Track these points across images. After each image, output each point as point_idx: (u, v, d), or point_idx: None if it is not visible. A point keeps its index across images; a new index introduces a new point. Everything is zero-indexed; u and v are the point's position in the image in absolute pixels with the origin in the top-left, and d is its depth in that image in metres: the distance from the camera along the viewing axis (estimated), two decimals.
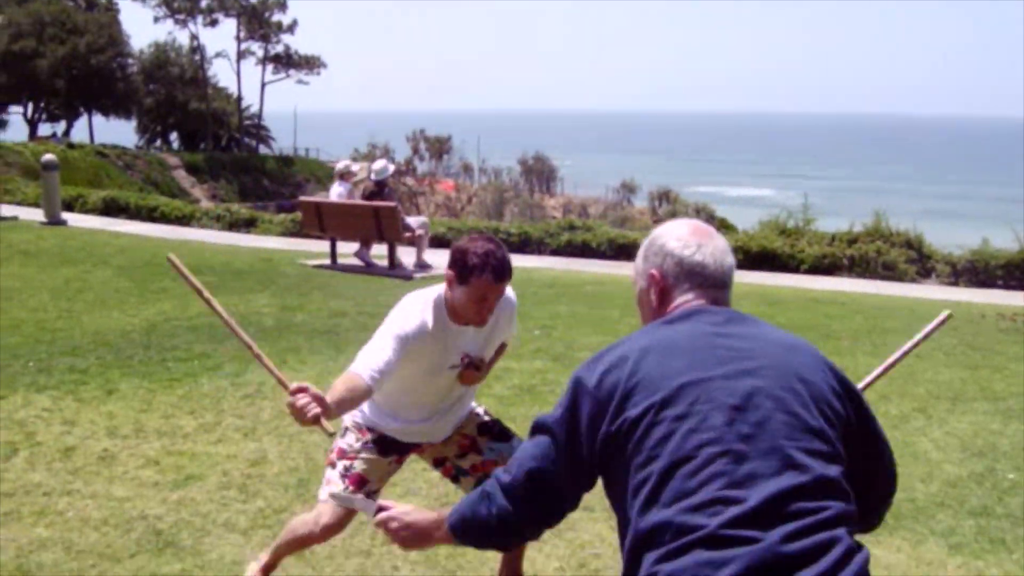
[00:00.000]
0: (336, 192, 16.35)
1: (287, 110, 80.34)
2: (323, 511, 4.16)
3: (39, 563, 4.77)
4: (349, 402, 3.67)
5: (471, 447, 4.29)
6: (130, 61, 79.00)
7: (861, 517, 2.44)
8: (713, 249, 2.58)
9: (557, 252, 17.62)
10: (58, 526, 5.23)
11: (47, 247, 16.42)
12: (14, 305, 11.18)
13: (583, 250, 17.54)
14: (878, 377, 3.32)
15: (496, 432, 4.31)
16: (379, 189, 15.26)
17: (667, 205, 49.94)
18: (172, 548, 4.99)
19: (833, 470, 2.24)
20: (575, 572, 4.75)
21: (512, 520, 2.52)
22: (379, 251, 15.38)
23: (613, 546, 5.03)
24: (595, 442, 2.34)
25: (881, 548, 5.14)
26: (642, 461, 2.24)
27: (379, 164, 16.14)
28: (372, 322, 10.36)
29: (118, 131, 79.34)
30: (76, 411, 7.23)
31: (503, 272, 3.88)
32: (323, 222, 15.51)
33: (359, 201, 15.41)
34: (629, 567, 2.23)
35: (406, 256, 15.27)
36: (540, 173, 58.55)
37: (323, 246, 16.31)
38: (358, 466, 4.20)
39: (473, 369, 4.11)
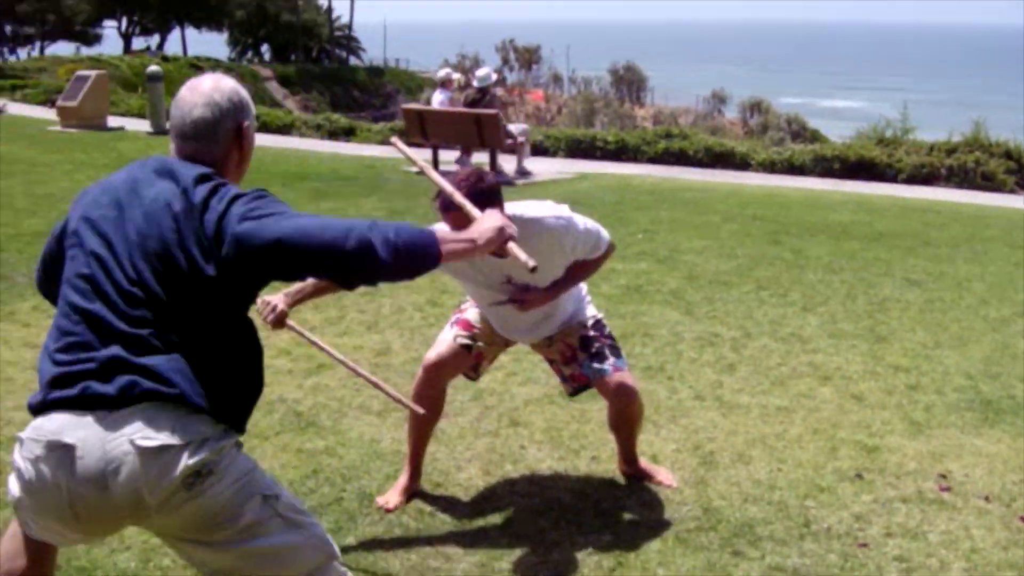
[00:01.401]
0: (437, 100, 16.60)
1: (377, 21, 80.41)
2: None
3: None
4: None
5: (572, 358, 4.51)
6: None
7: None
8: (182, 103, 2.88)
9: (654, 160, 17.73)
10: None
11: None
12: None
13: (679, 158, 17.62)
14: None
15: (594, 351, 4.47)
16: (481, 96, 15.48)
17: (758, 116, 49.38)
18: (314, 427, 5.37)
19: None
20: (690, 454, 5.04)
21: None
22: (479, 158, 15.64)
23: (725, 431, 5.32)
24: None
25: (983, 439, 5.36)
26: None
27: (483, 71, 16.38)
28: None
29: (210, 44, 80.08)
30: None
31: (443, 204, 3.91)
32: (425, 129, 15.77)
33: (461, 108, 15.65)
34: None
35: (507, 163, 15.50)
36: (630, 83, 58.15)
37: (424, 154, 16.61)
38: (468, 314, 4.61)
39: (522, 292, 4.25)
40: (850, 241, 10.54)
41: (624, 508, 4.45)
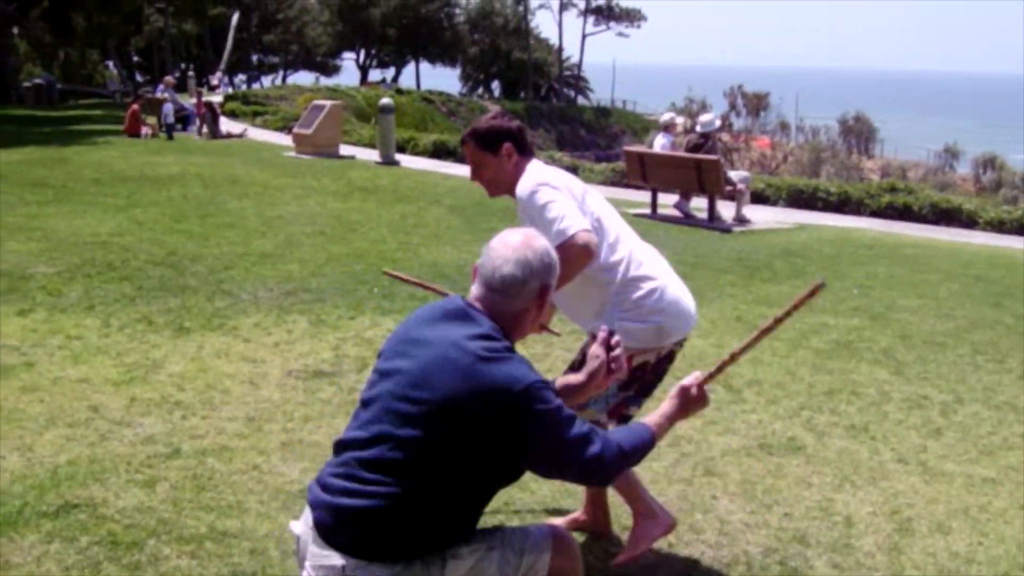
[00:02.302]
0: (659, 143, 16.66)
1: (606, 62, 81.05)
2: None
3: None
4: None
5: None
6: (457, 11, 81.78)
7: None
8: (494, 256, 3.03)
9: (876, 214, 17.33)
10: None
11: (383, 185, 17.47)
12: (357, 236, 12.07)
13: (903, 213, 17.19)
14: (746, 348, 3.31)
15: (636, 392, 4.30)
16: (703, 142, 15.46)
17: (992, 172, 47.62)
18: None
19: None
20: (887, 518, 4.92)
21: None
22: (698, 203, 15.59)
23: (926, 498, 5.17)
24: None
25: None
26: None
27: (706, 117, 16.39)
28: (691, 272, 10.62)
29: (443, 78, 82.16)
30: None
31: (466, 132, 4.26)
32: (646, 172, 15.86)
33: (683, 153, 15.66)
34: None
35: (726, 210, 15.42)
36: (859, 134, 56.92)
37: (643, 196, 16.64)
38: None
39: None
40: None
41: (812, 568, 4.38)
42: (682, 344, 4.36)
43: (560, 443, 2.83)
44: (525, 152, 4.23)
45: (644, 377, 4.26)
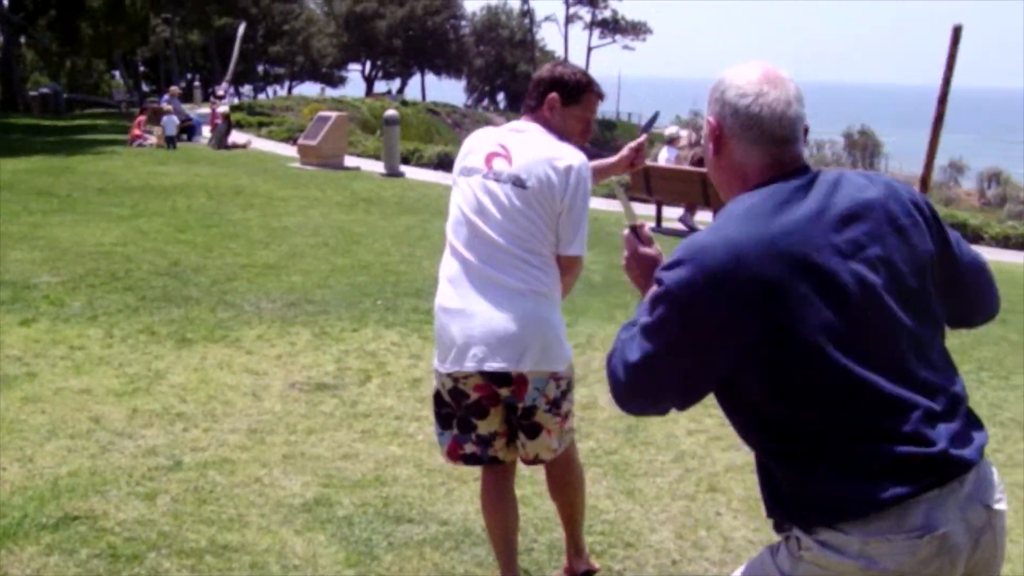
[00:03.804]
0: (664, 157, 16.65)
1: (612, 74, 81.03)
2: None
3: (395, 476, 5.31)
4: None
5: None
6: (463, 23, 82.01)
7: None
8: (772, 101, 2.33)
9: None
10: (409, 446, 5.77)
11: (387, 196, 17.45)
12: (362, 248, 12.05)
13: None
14: None
15: None
16: None
17: (996, 187, 47.65)
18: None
19: None
20: None
21: None
22: (703, 216, 15.57)
23: None
24: None
25: None
26: None
27: None
28: None
29: (447, 90, 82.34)
30: (421, 347, 7.83)
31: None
32: (650, 185, 15.83)
33: (687, 167, 15.64)
34: None
35: None
36: (864, 147, 57.03)
37: (648, 209, 16.63)
38: None
39: None
40: None
41: None
42: (471, 383, 3.81)
43: None
44: (524, 106, 3.99)
45: (448, 410, 3.93)
